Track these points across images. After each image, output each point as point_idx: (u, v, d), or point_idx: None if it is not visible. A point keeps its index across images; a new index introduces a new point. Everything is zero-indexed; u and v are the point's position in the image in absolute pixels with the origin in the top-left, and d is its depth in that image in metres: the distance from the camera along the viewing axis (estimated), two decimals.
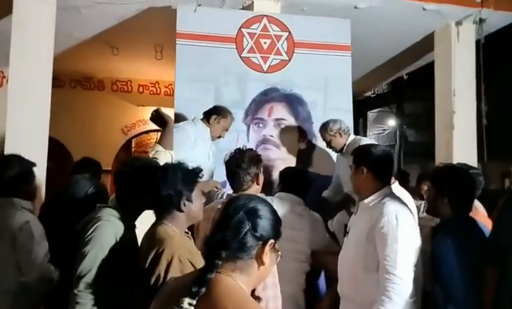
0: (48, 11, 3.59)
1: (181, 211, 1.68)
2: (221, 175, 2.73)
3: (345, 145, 3.27)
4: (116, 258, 1.70)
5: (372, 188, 2.01)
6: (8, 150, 3.38)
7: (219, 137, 3.21)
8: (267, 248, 1.14)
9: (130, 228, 1.85)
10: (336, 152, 3.39)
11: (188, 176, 1.71)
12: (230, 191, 2.25)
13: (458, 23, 4.26)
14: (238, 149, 2.20)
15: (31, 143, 3.45)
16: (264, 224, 1.15)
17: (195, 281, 1.06)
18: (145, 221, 1.91)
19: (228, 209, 1.17)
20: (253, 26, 3.69)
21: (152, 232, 1.67)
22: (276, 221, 1.19)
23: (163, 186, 1.67)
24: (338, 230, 2.99)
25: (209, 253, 1.12)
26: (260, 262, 1.13)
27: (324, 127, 3.29)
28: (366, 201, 2.01)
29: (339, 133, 3.25)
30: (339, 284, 2.08)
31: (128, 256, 1.72)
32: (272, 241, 1.15)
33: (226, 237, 1.11)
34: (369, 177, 2.02)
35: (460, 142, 4.19)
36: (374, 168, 2.02)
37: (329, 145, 3.34)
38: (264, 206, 1.18)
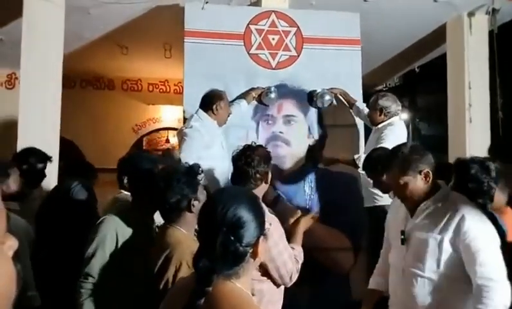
0: (57, 12, 3.62)
1: (191, 212, 1.68)
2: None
3: (381, 122, 3.25)
4: (119, 254, 1.79)
5: (429, 190, 1.87)
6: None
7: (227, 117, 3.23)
8: (259, 245, 1.12)
9: (147, 226, 1.92)
10: (372, 124, 3.38)
11: (190, 177, 1.72)
12: None
13: (471, 14, 4.18)
14: (248, 145, 2.16)
15: (42, 144, 3.48)
16: (249, 231, 1.10)
17: (193, 294, 1.03)
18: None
19: (208, 225, 1.11)
20: (261, 22, 3.66)
21: (161, 235, 1.68)
22: (259, 216, 1.14)
23: (169, 194, 1.68)
24: None
25: (200, 279, 1.07)
26: (255, 257, 1.12)
27: (374, 98, 3.29)
28: (425, 203, 1.87)
29: (383, 112, 3.23)
30: (393, 294, 1.97)
31: (137, 254, 1.75)
32: (261, 237, 1.13)
33: (217, 264, 1.06)
34: (426, 180, 1.86)
35: (474, 136, 4.12)
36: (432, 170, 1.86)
37: (369, 115, 3.35)
38: (244, 208, 1.11)
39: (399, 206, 2.01)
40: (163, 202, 1.69)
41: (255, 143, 2.29)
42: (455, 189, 2.03)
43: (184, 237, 1.65)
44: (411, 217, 1.92)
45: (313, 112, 3.65)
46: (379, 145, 3.02)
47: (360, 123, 3.63)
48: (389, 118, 3.23)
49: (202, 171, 1.79)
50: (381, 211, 3.20)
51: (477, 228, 1.73)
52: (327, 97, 3.52)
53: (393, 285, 1.97)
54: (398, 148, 1.97)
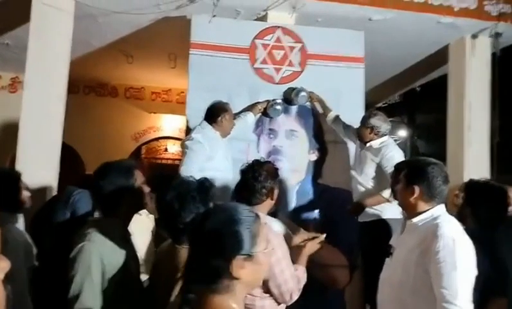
0: (66, 19, 3.65)
1: None
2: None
3: (370, 141, 3.27)
4: (108, 278, 1.61)
5: (423, 208, 1.87)
6: (20, 156, 3.43)
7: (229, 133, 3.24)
8: (235, 265, 1.07)
9: (125, 239, 1.74)
10: (359, 140, 3.39)
11: (204, 193, 1.66)
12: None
13: (474, 36, 4.23)
14: (257, 160, 2.16)
15: (43, 148, 3.50)
16: (226, 247, 1.08)
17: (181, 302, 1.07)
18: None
19: (193, 236, 1.14)
20: (267, 37, 3.70)
21: (171, 256, 1.62)
22: (245, 234, 1.10)
23: (184, 214, 1.61)
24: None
25: (184, 289, 1.12)
26: (237, 275, 1.08)
27: (366, 115, 3.31)
28: (415, 220, 1.87)
29: (372, 129, 3.24)
30: (379, 307, 1.99)
31: (123, 273, 1.63)
32: (238, 257, 1.08)
33: (195, 277, 1.08)
34: (421, 196, 1.86)
35: (472, 157, 4.14)
36: (429, 187, 1.85)
37: (358, 133, 3.36)
38: (229, 223, 1.10)
39: (400, 224, 2.04)
40: (176, 222, 1.61)
41: (263, 158, 2.30)
42: (461, 209, 2.04)
43: None
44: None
45: (315, 127, 3.68)
46: (389, 165, 3.04)
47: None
48: (378, 137, 3.26)
49: (213, 185, 1.73)
50: (378, 225, 3.23)
51: (449, 251, 1.70)
52: (303, 93, 3.55)
53: (379, 300, 1.99)
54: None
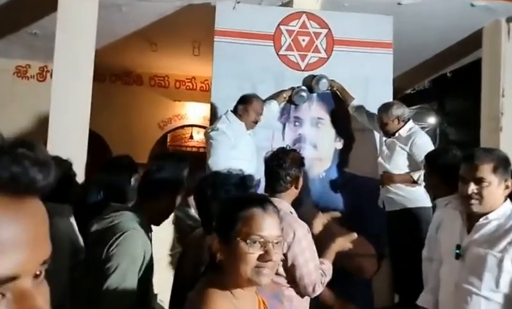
0: (91, 8, 3.68)
1: None
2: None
3: (398, 130, 3.23)
4: (141, 272, 1.58)
5: (500, 202, 1.78)
6: (50, 143, 3.51)
7: (255, 122, 3.20)
8: (215, 242, 1.15)
9: (148, 234, 1.70)
10: (386, 135, 3.32)
11: (241, 189, 1.59)
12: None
13: (509, 19, 4.03)
14: (282, 148, 2.14)
15: (72, 136, 3.56)
16: (221, 222, 1.17)
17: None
18: None
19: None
20: (292, 23, 3.62)
21: (199, 246, 1.60)
22: (232, 217, 1.14)
23: (213, 204, 1.54)
24: None
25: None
26: (218, 256, 1.15)
27: (385, 110, 3.23)
28: (491, 216, 1.77)
29: (398, 119, 3.21)
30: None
31: (147, 269, 1.61)
32: (239, 239, 1.11)
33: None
34: (503, 191, 1.77)
35: (506, 143, 3.98)
36: None
37: (382, 126, 3.29)
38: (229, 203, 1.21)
39: (454, 218, 1.94)
40: (205, 210, 1.59)
41: (289, 146, 2.28)
42: None
43: None
44: (467, 231, 1.83)
45: (341, 115, 3.60)
46: (419, 153, 3.04)
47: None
48: (404, 122, 3.23)
49: (256, 184, 1.66)
50: (406, 214, 3.17)
51: None
52: (324, 80, 3.48)
53: (445, 302, 1.90)
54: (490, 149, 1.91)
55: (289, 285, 1.86)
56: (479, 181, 1.76)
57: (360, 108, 3.49)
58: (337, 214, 2.42)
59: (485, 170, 1.76)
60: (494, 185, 1.76)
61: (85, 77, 3.68)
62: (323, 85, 3.50)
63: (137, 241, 1.57)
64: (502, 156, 1.86)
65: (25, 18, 4.46)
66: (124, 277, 1.50)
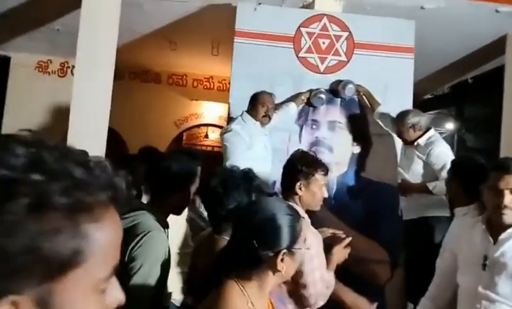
0: (114, 6, 3.71)
1: None
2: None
3: (417, 139, 3.19)
4: (162, 273, 1.58)
5: None
6: (70, 139, 3.56)
7: (267, 117, 3.18)
8: (279, 258, 1.15)
9: (164, 230, 1.70)
10: (405, 144, 3.31)
11: (247, 183, 1.65)
12: None
13: None
14: (302, 150, 2.15)
15: (92, 132, 3.61)
16: (271, 239, 1.16)
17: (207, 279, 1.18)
18: None
19: (238, 223, 1.21)
20: (313, 25, 3.60)
21: (211, 244, 1.62)
22: (290, 231, 1.18)
23: (227, 200, 1.60)
24: None
25: (219, 271, 1.18)
26: (274, 270, 1.16)
27: (401, 117, 3.21)
28: None
29: (414, 127, 3.17)
30: None
31: (165, 266, 1.61)
32: (284, 251, 1.16)
33: (233, 261, 1.17)
34: None
35: None
36: None
37: (398, 134, 3.27)
38: (276, 216, 1.17)
39: (472, 225, 1.91)
40: (218, 209, 1.62)
41: (301, 149, 2.26)
42: None
43: None
44: (493, 240, 1.80)
45: (359, 119, 3.57)
46: (440, 164, 3.02)
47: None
48: (422, 132, 3.19)
49: (257, 176, 1.73)
50: (423, 223, 3.13)
51: None
52: (350, 86, 3.45)
53: None
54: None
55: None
56: None
57: (385, 114, 3.46)
58: (347, 241, 2.15)
59: None
60: None
61: (106, 74, 3.72)
62: (350, 91, 3.47)
63: (160, 241, 1.59)
64: None
65: (49, 14, 4.53)
66: (148, 277, 1.51)
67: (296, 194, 1.98)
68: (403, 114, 3.21)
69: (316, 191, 1.99)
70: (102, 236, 0.52)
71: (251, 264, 1.15)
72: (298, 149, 2.19)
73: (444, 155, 3.10)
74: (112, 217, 0.54)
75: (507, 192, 1.73)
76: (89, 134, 3.59)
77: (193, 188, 1.78)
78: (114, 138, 5.57)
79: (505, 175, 1.75)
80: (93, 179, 0.52)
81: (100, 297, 0.53)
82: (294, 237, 1.20)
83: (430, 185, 3.07)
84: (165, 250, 1.59)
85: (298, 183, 1.98)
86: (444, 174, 2.87)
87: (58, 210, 0.48)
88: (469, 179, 2.21)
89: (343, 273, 2.26)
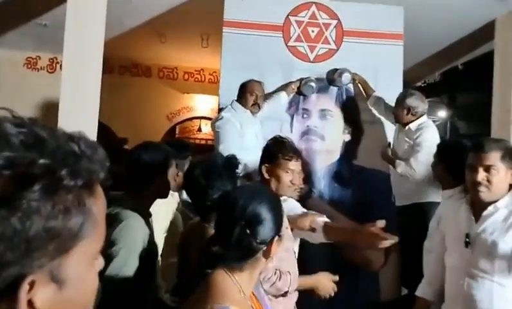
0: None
1: None
2: None
3: (408, 122, 3.19)
4: (143, 258, 1.61)
5: (506, 191, 1.83)
6: None
7: (256, 105, 3.17)
8: (273, 245, 1.16)
9: (146, 219, 1.73)
10: (395, 121, 3.32)
11: (230, 170, 1.66)
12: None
13: None
14: (277, 136, 2.15)
15: (82, 127, 3.55)
16: (266, 229, 1.15)
17: (195, 273, 1.16)
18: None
19: (227, 216, 1.17)
20: (301, 13, 3.59)
21: (200, 234, 1.61)
22: (278, 216, 1.19)
23: (211, 190, 1.60)
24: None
25: (206, 264, 1.16)
26: (268, 256, 1.17)
27: (403, 96, 3.21)
28: (499, 204, 1.82)
29: (409, 110, 3.16)
30: (451, 298, 1.93)
31: (149, 254, 1.64)
32: (276, 237, 1.17)
33: (228, 254, 1.14)
34: (509, 179, 1.82)
35: None
36: None
37: (395, 113, 3.27)
38: (264, 206, 1.16)
39: (458, 206, 1.96)
40: (203, 199, 1.62)
41: (288, 138, 2.25)
42: None
43: None
44: (475, 219, 1.86)
45: (350, 107, 3.58)
46: (417, 149, 3.03)
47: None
48: (416, 117, 3.18)
49: (239, 162, 1.73)
50: (416, 209, 3.15)
51: None
52: (346, 74, 3.45)
53: (453, 289, 1.92)
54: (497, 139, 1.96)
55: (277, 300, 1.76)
56: (488, 169, 1.80)
57: (379, 100, 3.47)
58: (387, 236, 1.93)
59: (494, 158, 1.80)
60: (502, 173, 1.80)
61: (95, 68, 3.68)
62: (346, 79, 3.47)
63: (137, 228, 1.61)
64: (509, 145, 1.90)
65: (35, 9, 4.48)
66: (125, 262, 1.55)
67: (264, 178, 2.00)
68: (405, 94, 3.22)
69: (281, 176, 1.97)
70: (98, 210, 0.56)
71: (245, 256, 1.14)
72: (274, 136, 2.18)
73: (429, 141, 3.05)
74: (101, 191, 0.59)
75: (480, 169, 1.81)
76: (78, 130, 3.56)
77: (171, 172, 1.78)
78: (104, 133, 5.54)
79: (480, 153, 1.83)
80: (94, 157, 0.57)
81: (95, 265, 0.59)
82: (282, 219, 1.22)
83: (397, 163, 3.12)
84: (143, 239, 1.61)
85: (263, 167, 2.00)
86: (415, 159, 2.99)
87: (69, 191, 0.52)
88: (455, 162, 2.24)
89: (338, 260, 2.28)
